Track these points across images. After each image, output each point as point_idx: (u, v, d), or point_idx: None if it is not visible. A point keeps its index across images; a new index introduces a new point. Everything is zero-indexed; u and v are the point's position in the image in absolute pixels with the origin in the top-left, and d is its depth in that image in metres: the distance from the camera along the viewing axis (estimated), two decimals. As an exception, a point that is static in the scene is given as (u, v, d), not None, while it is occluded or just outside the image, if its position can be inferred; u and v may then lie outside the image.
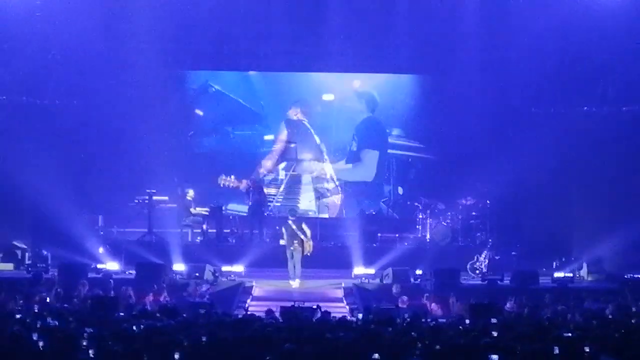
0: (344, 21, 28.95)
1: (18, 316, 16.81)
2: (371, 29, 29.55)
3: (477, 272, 26.23)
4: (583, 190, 28.16)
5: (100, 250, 26.81)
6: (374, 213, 30.01)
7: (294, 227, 25.38)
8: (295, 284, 25.15)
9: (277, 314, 18.53)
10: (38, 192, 27.29)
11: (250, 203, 29.19)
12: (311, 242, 25.45)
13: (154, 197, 28.96)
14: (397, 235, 29.13)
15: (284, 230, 25.73)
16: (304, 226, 25.55)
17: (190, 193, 29.38)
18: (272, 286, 24.92)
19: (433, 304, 21.97)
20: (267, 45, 29.74)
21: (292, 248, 25.26)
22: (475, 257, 26.65)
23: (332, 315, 18.87)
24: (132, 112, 29.31)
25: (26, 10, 27.51)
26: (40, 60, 27.95)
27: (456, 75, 29.74)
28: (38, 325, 15.40)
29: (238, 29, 29.52)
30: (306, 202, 30.55)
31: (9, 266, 26.59)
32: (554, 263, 26.67)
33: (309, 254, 25.38)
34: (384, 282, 24.93)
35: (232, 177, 29.97)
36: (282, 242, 26.01)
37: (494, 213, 28.72)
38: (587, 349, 13.47)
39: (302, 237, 25.21)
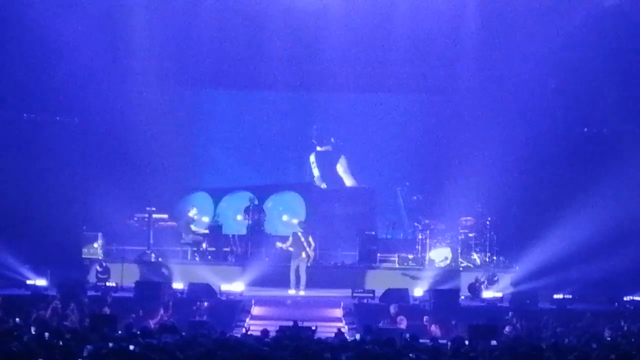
0: (342, 43, 29.04)
1: (16, 333, 16.76)
2: (370, 50, 29.60)
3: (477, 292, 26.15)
4: (584, 211, 28.05)
5: (99, 268, 26.80)
6: (373, 233, 29.95)
7: (302, 239, 26.35)
8: (301, 292, 26.06)
9: (276, 334, 18.49)
10: (38, 208, 27.26)
11: (249, 222, 29.15)
12: (314, 253, 26.70)
13: (154, 215, 28.99)
14: (396, 255, 29.10)
15: (291, 238, 26.65)
16: (310, 238, 26.66)
17: (194, 210, 29.44)
18: (271, 306, 24.89)
19: (433, 325, 21.93)
20: (266, 65, 29.78)
21: (298, 259, 26.30)
22: (475, 278, 26.60)
23: (331, 334, 18.87)
24: (132, 130, 29.38)
25: (28, 27, 27.49)
26: (41, 77, 27.94)
27: (455, 95, 29.95)
28: (37, 343, 15.34)
29: (238, 48, 29.53)
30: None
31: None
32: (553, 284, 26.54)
33: (309, 264, 26.51)
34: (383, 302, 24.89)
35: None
36: (280, 244, 27.03)
37: (494, 233, 28.69)
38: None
39: (308, 249, 26.34)
